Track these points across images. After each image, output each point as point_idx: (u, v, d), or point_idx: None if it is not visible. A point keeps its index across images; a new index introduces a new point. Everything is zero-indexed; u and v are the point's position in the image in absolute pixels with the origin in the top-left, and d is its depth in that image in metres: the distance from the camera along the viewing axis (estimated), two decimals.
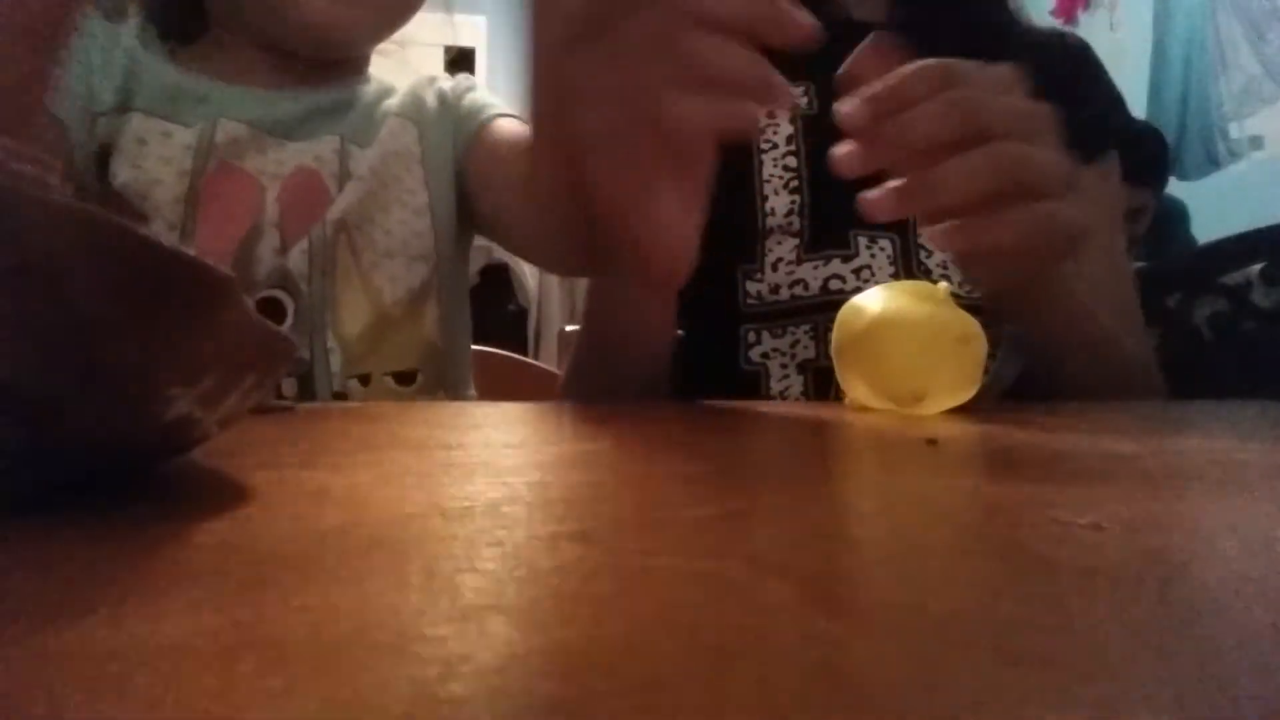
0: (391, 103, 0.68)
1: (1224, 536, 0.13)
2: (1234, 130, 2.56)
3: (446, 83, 0.71)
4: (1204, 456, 0.22)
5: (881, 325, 0.38)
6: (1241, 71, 2.52)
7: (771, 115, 0.67)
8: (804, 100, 0.67)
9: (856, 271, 0.63)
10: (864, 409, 0.38)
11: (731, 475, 0.20)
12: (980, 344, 0.37)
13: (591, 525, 0.13)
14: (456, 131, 0.68)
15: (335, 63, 0.66)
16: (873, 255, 0.63)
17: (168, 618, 0.09)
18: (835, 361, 0.40)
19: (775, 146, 0.67)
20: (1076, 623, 0.09)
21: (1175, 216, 1.80)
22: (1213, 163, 2.56)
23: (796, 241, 0.65)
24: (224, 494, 0.16)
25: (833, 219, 0.64)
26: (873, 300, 0.39)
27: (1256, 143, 2.50)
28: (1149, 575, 0.11)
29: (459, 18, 0.89)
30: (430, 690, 0.07)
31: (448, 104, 0.70)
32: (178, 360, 0.14)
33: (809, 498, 0.17)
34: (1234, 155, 2.55)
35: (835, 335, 0.40)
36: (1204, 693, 0.07)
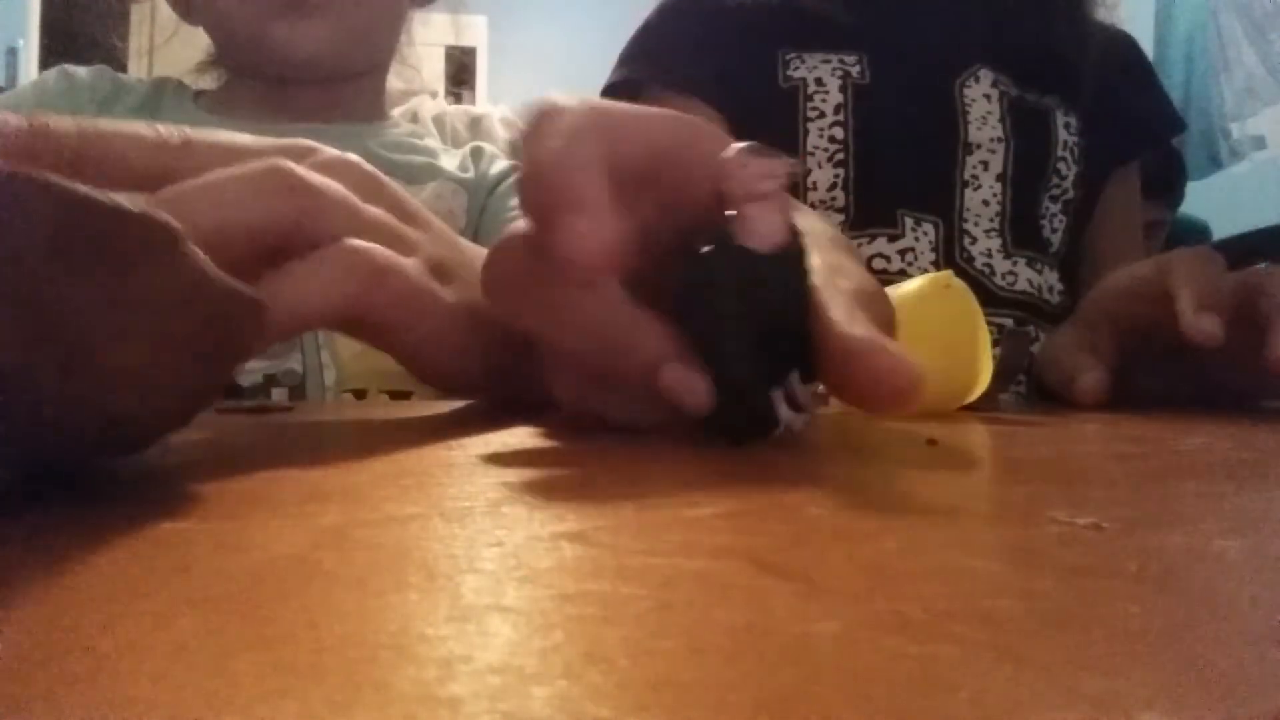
0: (447, 163, 0.67)
1: (1224, 536, 0.13)
2: (1235, 130, 2.55)
3: (500, 162, 0.69)
4: (1204, 456, 0.22)
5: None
6: (1243, 71, 2.52)
7: (820, 82, 0.65)
8: (857, 69, 0.65)
9: (902, 253, 0.61)
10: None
11: (731, 475, 0.20)
12: (979, 341, 0.37)
13: (591, 525, 0.13)
14: (488, 217, 0.67)
15: (344, 99, 0.66)
16: (917, 239, 0.62)
17: (167, 618, 0.09)
18: None
19: (822, 115, 0.64)
20: (1076, 623, 0.09)
21: (1196, 237, 1.78)
22: (1214, 163, 2.55)
23: (841, 218, 0.63)
24: (223, 494, 0.16)
25: (880, 196, 0.63)
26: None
27: (1258, 143, 2.49)
28: (1149, 575, 0.11)
29: (459, 17, 0.89)
30: (430, 690, 0.07)
31: (498, 189, 0.68)
32: (128, 319, 0.14)
33: (809, 498, 0.17)
34: (1236, 155, 2.54)
35: None
36: (1204, 693, 0.07)
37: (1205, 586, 0.10)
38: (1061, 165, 0.66)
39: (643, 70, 0.68)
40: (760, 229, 0.22)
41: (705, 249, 0.22)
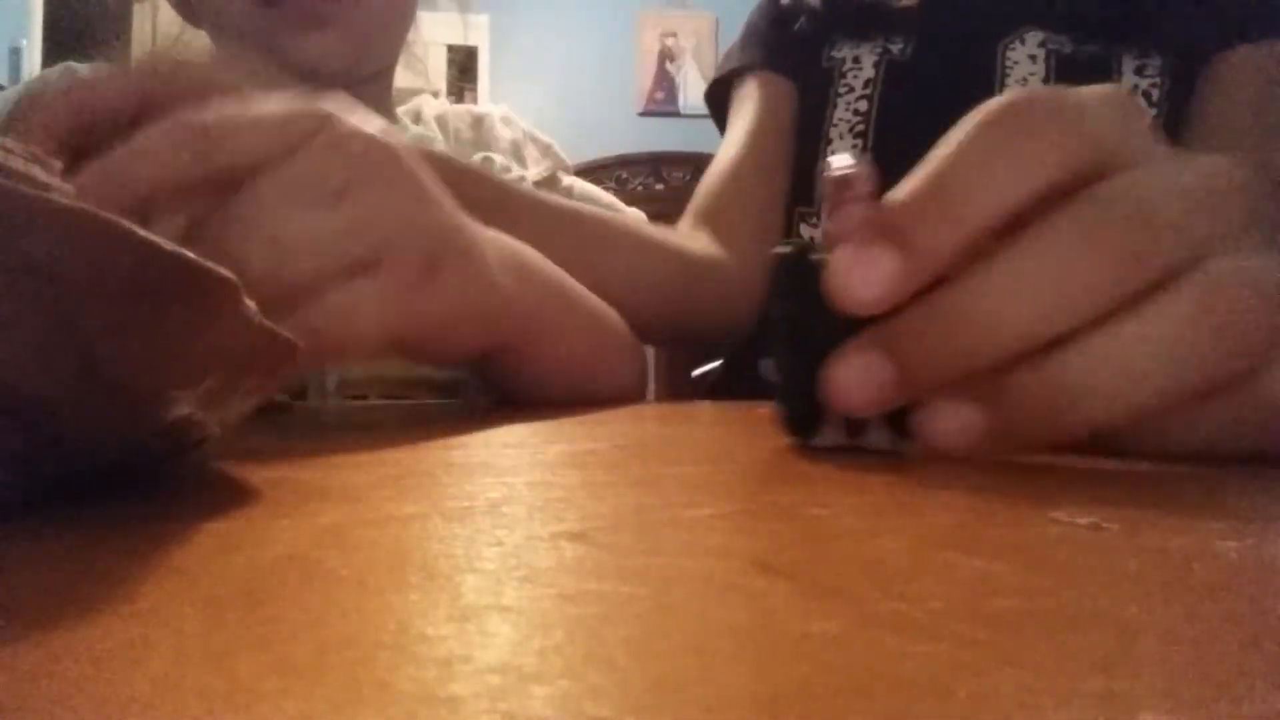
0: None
1: (1224, 536, 0.13)
2: None
3: (496, 158, 0.71)
4: (1204, 457, 0.22)
5: None
6: None
7: (856, 60, 0.67)
8: (899, 47, 0.66)
9: None
10: None
11: (731, 475, 0.20)
12: None
13: (591, 525, 0.13)
14: None
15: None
16: None
17: (167, 618, 0.09)
18: None
19: (851, 90, 0.66)
20: (1076, 623, 0.09)
21: None
22: None
23: None
24: (224, 494, 0.16)
25: (895, 170, 0.63)
26: None
27: None
28: (1149, 575, 0.11)
29: (461, 16, 0.89)
30: (430, 690, 0.07)
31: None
32: (178, 362, 0.14)
33: (809, 498, 0.17)
34: None
35: None
36: (1204, 693, 0.07)
37: (1205, 586, 0.10)
38: None
39: (747, 58, 0.75)
40: (830, 235, 0.23)
41: (779, 252, 0.24)
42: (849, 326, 0.22)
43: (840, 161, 0.22)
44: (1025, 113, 0.21)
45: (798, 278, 0.23)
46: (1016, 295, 0.20)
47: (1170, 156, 0.21)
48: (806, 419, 0.24)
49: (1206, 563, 0.12)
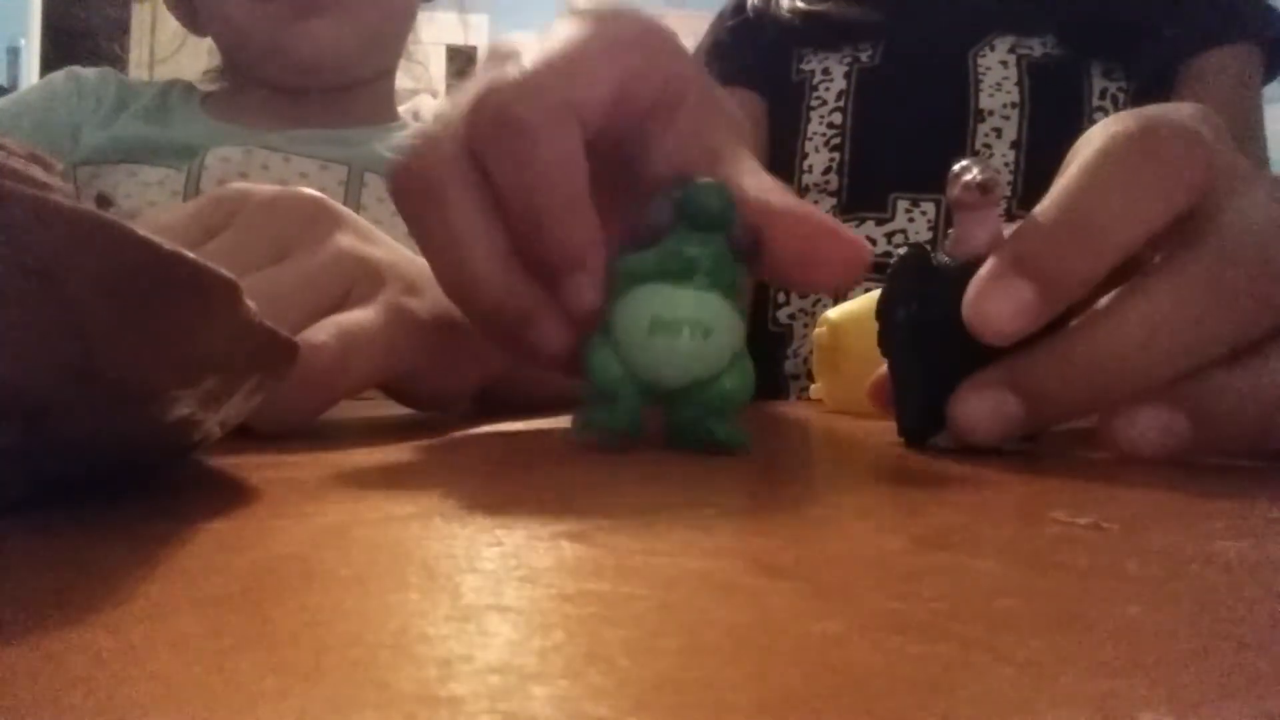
0: None
1: (1224, 536, 0.13)
2: None
3: None
4: (1204, 457, 0.22)
5: (838, 333, 0.37)
6: None
7: (826, 72, 0.66)
8: (867, 55, 0.65)
9: (889, 236, 0.61)
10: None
11: (731, 475, 0.20)
12: None
13: (591, 525, 0.13)
14: None
15: (353, 104, 0.66)
16: (911, 219, 0.61)
17: (167, 618, 0.09)
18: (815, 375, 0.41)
19: (824, 103, 0.65)
20: (1076, 623, 0.09)
21: None
22: None
23: (834, 202, 0.63)
24: (224, 494, 0.16)
25: (873, 179, 0.62)
26: (835, 310, 0.39)
27: None
28: (1149, 575, 0.11)
29: (461, 17, 0.89)
30: (430, 690, 0.07)
31: None
32: (178, 362, 0.14)
33: (809, 498, 0.17)
34: None
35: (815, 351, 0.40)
36: (1204, 693, 0.07)
37: (1205, 586, 0.10)
38: (1099, 116, 0.63)
39: (713, 71, 0.75)
40: (959, 239, 0.23)
41: (899, 255, 0.24)
42: (972, 338, 0.21)
43: (972, 166, 0.22)
44: (1154, 143, 0.21)
45: (919, 282, 0.23)
46: (1151, 340, 0.20)
47: (1256, 178, 0.22)
48: (925, 421, 0.24)
49: (1206, 563, 0.12)
